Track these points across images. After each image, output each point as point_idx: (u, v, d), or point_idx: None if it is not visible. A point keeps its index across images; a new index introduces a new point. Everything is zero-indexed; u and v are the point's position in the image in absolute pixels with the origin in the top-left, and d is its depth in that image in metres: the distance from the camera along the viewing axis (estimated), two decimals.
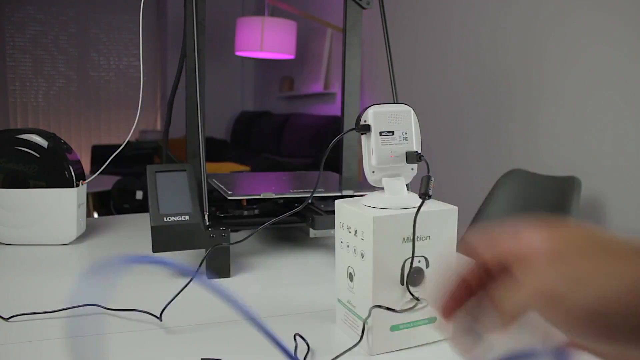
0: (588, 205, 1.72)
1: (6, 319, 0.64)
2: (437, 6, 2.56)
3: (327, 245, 1.01)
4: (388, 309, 0.56)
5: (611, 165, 1.68)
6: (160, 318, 0.64)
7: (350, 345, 0.56)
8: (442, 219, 0.58)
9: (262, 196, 0.85)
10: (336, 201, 0.62)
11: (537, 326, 0.32)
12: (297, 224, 0.98)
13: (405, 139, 0.59)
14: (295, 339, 0.59)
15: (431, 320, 0.59)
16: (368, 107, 0.59)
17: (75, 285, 0.81)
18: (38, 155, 0.97)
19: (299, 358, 0.56)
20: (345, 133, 0.70)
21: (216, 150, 4.78)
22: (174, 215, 0.79)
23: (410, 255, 0.56)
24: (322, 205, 0.96)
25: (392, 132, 0.59)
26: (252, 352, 0.58)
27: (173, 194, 0.83)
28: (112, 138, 5.46)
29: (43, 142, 0.98)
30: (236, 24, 3.75)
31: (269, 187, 0.94)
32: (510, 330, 0.31)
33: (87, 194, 1.13)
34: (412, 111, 0.61)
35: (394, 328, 0.57)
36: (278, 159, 3.68)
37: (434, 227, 0.58)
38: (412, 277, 0.57)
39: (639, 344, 0.28)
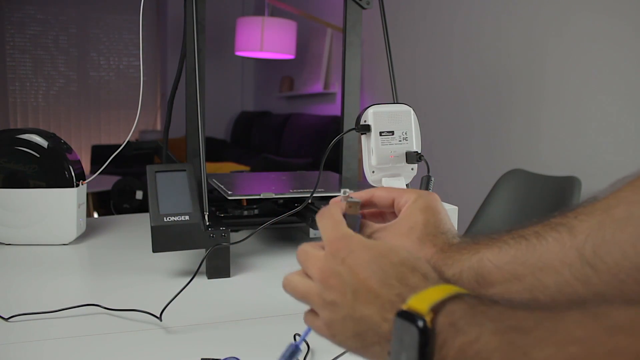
0: None
1: (6, 319, 0.64)
2: (437, 6, 2.56)
3: None
4: None
5: (611, 165, 1.68)
6: (160, 318, 0.64)
7: None
8: None
9: (262, 196, 0.85)
10: None
11: None
12: (297, 224, 0.98)
13: (405, 139, 0.59)
14: (295, 339, 0.59)
15: None
16: (368, 107, 0.59)
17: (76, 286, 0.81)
18: (38, 155, 0.97)
19: (299, 358, 0.56)
20: (345, 133, 0.70)
21: (216, 150, 4.78)
22: (174, 215, 0.79)
23: None
24: (322, 205, 0.96)
25: (392, 132, 0.59)
26: (252, 352, 0.58)
27: (173, 194, 0.83)
28: (112, 138, 5.46)
29: (43, 142, 0.98)
30: (236, 24, 3.74)
31: (269, 187, 0.94)
32: None
33: (87, 194, 1.13)
34: (412, 111, 0.61)
35: None
36: (278, 159, 3.68)
37: None
38: None
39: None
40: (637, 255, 0.32)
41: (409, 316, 0.29)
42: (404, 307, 0.31)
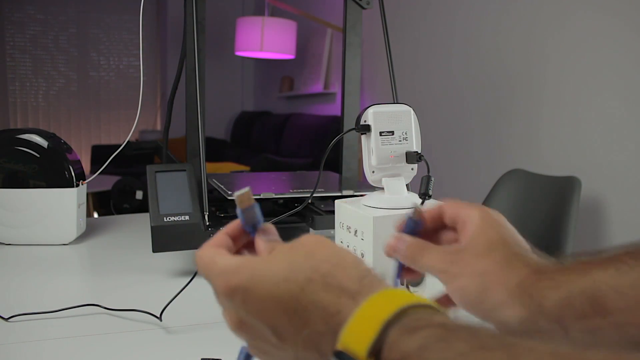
0: (588, 205, 1.72)
1: (6, 319, 0.64)
2: (437, 6, 2.56)
3: None
4: None
5: (611, 165, 1.68)
6: (160, 318, 0.64)
7: None
8: None
9: (262, 196, 0.85)
10: (336, 201, 0.62)
11: None
12: (297, 224, 0.98)
13: (405, 139, 0.59)
14: None
15: None
16: (368, 107, 0.59)
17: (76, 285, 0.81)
18: (38, 155, 0.97)
19: None
20: (345, 133, 0.70)
21: (216, 150, 4.77)
22: (174, 215, 0.79)
23: None
24: (322, 205, 0.96)
25: (392, 132, 0.59)
26: None
27: (173, 194, 0.83)
28: (112, 138, 5.46)
29: (43, 142, 0.98)
30: (236, 24, 3.74)
31: (269, 187, 0.94)
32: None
33: (87, 194, 1.13)
34: (412, 111, 0.61)
35: None
36: (278, 159, 3.68)
37: None
38: None
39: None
40: None
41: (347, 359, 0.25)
42: (339, 346, 0.26)
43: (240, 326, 0.32)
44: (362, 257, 0.56)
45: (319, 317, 0.28)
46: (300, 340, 0.28)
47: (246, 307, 0.30)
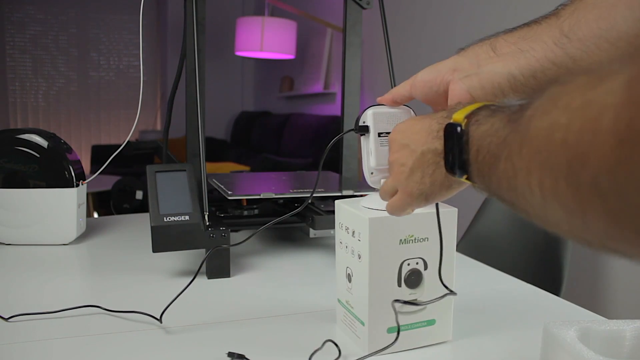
0: None
1: (6, 319, 0.64)
2: (437, 6, 2.56)
3: (327, 245, 1.01)
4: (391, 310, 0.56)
5: None
6: (160, 320, 0.65)
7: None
8: (441, 220, 0.58)
9: (262, 196, 0.85)
10: (336, 201, 0.62)
11: None
12: (297, 224, 0.98)
13: None
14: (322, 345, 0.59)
15: (430, 322, 0.59)
16: (367, 107, 0.59)
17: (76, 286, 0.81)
18: (38, 155, 0.97)
19: None
20: (345, 133, 0.70)
21: (216, 150, 4.77)
22: (174, 215, 0.79)
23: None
24: (322, 205, 0.96)
25: None
26: (253, 352, 0.58)
27: (173, 194, 0.83)
28: (112, 138, 5.46)
29: (43, 142, 0.98)
30: (236, 24, 3.74)
31: (269, 187, 0.94)
32: None
33: (87, 194, 1.13)
34: (411, 112, 0.61)
35: (392, 330, 0.57)
36: (278, 159, 3.68)
37: (433, 228, 0.58)
38: (410, 279, 0.57)
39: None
40: (599, 29, 0.47)
41: (452, 124, 0.42)
42: (449, 120, 0.43)
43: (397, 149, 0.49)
44: (360, 258, 0.56)
45: (440, 115, 0.46)
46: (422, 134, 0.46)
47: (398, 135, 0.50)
